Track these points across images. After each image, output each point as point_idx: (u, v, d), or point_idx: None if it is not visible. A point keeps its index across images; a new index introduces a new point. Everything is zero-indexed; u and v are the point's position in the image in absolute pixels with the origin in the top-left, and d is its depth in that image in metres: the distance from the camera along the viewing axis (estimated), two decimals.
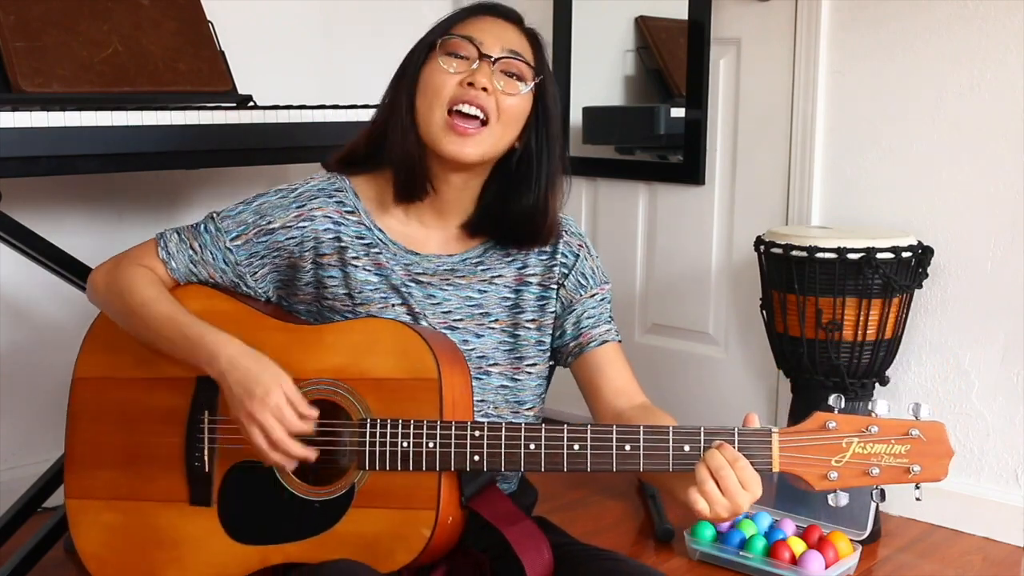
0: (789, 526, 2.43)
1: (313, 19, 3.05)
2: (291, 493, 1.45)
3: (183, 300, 1.55)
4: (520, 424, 1.40)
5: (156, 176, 2.71)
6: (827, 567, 2.26)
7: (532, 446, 1.38)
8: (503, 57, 1.51)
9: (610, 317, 1.64)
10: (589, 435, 1.37)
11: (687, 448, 1.35)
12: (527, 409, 1.59)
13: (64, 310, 2.58)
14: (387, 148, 1.55)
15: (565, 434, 1.37)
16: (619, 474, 1.35)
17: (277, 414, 1.40)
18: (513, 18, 1.58)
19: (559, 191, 1.59)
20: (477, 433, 1.39)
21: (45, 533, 2.13)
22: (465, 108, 1.49)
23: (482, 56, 1.50)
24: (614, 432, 1.37)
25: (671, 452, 1.35)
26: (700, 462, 1.33)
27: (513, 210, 1.57)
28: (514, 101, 1.52)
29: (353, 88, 2.87)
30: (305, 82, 2.93)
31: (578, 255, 1.62)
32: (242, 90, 2.45)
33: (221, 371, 1.44)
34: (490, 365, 1.56)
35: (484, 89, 1.49)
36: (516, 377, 1.58)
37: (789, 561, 2.27)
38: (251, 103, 2.40)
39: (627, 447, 1.36)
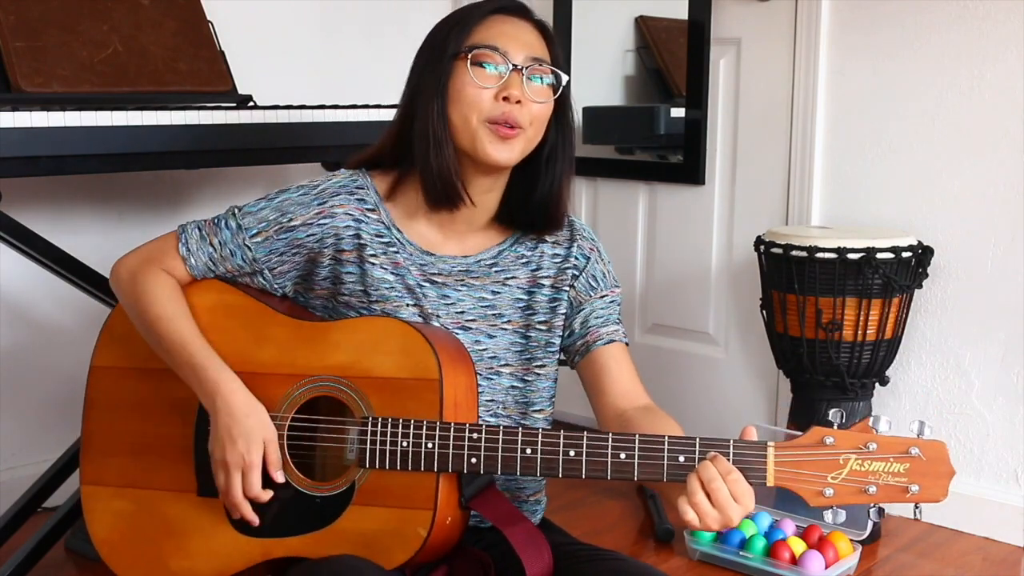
0: (789, 526, 2.43)
1: (313, 19, 3.04)
2: (294, 488, 1.46)
3: (197, 293, 1.56)
4: (517, 428, 1.40)
5: (156, 176, 2.71)
6: (827, 567, 2.26)
7: (528, 451, 1.38)
8: (530, 66, 1.51)
9: (619, 319, 1.64)
10: (585, 442, 1.37)
11: (682, 459, 1.34)
12: (536, 411, 1.59)
13: (64, 310, 2.58)
14: (416, 156, 1.54)
15: (561, 440, 1.37)
16: None
17: (247, 473, 1.44)
18: (526, 14, 1.56)
19: (572, 177, 1.61)
20: (475, 435, 1.39)
21: (45, 533, 2.13)
22: (504, 127, 1.49)
23: (511, 67, 1.50)
24: (610, 440, 1.36)
25: (665, 462, 1.34)
26: (692, 473, 1.32)
27: (534, 199, 1.58)
28: (543, 107, 1.53)
29: (353, 88, 2.87)
30: (305, 82, 2.93)
31: (589, 258, 1.63)
32: (242, 90, 2.45)
33: (215, 408, 1.46)
34: (501, 366, 1.57)
35: (518, 101, 1.49)
36: (526, 378, 1.59)
37: (789, 561, 2.27)
38: (251, 103, 2.40)
39: (622, 455, 1.35)
